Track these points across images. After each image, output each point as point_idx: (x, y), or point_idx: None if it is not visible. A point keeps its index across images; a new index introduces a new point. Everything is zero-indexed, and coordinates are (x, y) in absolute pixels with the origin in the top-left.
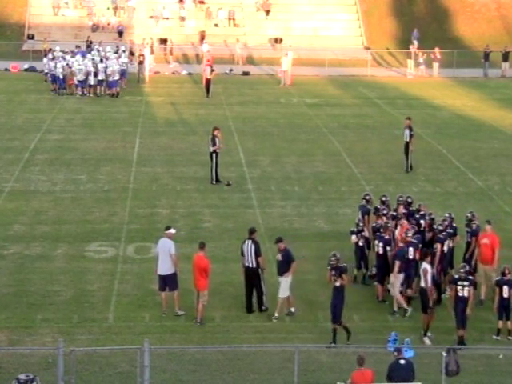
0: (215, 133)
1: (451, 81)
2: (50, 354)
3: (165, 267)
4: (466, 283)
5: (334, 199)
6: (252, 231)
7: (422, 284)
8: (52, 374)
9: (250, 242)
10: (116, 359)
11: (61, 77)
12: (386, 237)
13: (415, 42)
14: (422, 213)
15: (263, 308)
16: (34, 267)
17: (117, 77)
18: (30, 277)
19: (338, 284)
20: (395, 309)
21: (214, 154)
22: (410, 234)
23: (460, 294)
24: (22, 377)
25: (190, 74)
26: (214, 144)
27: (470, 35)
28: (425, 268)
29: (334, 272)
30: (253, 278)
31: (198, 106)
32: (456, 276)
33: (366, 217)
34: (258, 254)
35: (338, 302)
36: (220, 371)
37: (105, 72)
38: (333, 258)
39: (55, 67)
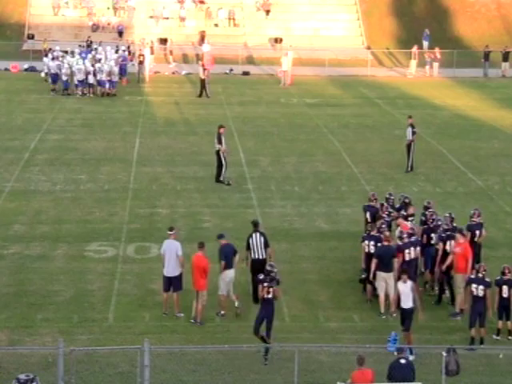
0: (221, 131)
1: (451, 81)
2: (50, 354)
3: (171, 269)
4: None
5: (334, 199)
6: (257, 223)
7: (406, 305)
8: (52, 374)
9: (258, 234)
10: (116, 359)
11: (64, 78)
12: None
13: (425, 43)
14: (431, 210)
15: None
16: (34, 267)
17: (105, 77)
18: (30, 277)
19: (270, 296)
20: (392, 309)
21: (220, 153)
22: (404, 236)
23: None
24: (22, 376)
25: (189, 73)
26: (219, 142)
27: (470, 35)
28: (400, 288)
29: (266, 284)
30: (261, 269)
31: (197, 106)
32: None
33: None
34: (267, 245)
35: (269, 315)
36: (220, 371)
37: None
38: (269, 268)
39: (60, 68)
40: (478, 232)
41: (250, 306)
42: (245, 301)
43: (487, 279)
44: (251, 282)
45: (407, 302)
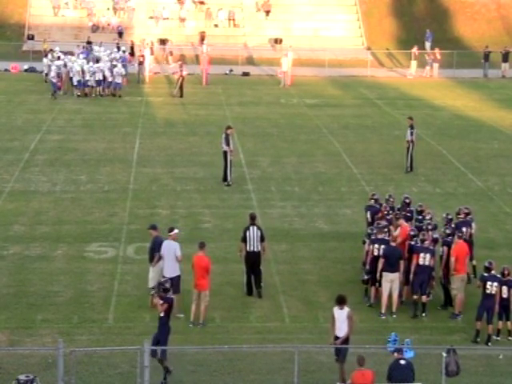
0: (228, 132)
1: (451, 81)
2: (49, 355)
3: (170, 270)
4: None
5: (333, 200)
6: (254, 217)
7: (341, 332)
8: (52, 375)
9: (256, 227)
10: (116, 360)
11: (58, 78)
12: (384, 238)
13: (427, 43)
14: (424, 214)
15: (260, 290)
16: (33, 268)
17: (87, 77)
18: (30, 277)
19: (162, 314)
20: (393, 310)
21: (227, 154)
22: (427, 243)
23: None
24: (22, 377)
25: (189, 74)
26: (227, 143)
27: (470, 35)
28: (336, 314)
29: (162, 302)
30: (255, 261)
31: (197, 107)
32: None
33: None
34: (263, 238)
35: (165, 334)
36: (220, 372)
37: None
38: (167, 285)
39: (59, 68)
40: (464, 229)
41: (249, 306)
42: (242, 301)
43: (498, 275)
44: (245, 273)
45: (343, 330)
